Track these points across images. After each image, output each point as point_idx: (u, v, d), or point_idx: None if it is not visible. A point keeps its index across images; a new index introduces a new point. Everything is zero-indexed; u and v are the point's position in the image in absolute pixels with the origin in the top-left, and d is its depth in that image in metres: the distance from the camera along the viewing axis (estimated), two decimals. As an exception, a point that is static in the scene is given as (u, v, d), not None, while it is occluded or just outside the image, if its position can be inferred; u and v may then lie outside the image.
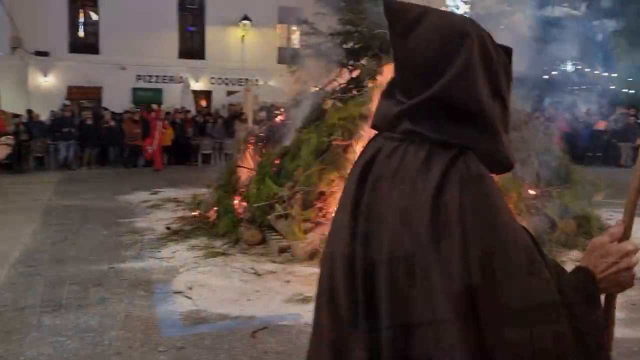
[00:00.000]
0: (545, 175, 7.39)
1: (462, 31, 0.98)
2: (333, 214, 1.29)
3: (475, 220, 0.90)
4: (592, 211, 7.56)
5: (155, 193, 10.77)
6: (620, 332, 4.14)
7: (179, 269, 5.66)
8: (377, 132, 1.08)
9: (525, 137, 7.48)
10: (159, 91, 21.49)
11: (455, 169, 0.93)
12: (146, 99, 21.08)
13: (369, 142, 1.09)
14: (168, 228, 7.49)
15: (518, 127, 7.50)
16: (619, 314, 1.19)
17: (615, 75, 20.46)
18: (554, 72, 17.22)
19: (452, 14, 1.08)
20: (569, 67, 18.49)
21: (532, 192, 7.14)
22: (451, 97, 0.96)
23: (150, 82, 21.52)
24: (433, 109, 0.97)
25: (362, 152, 1.09)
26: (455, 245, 0.90)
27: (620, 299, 1.11)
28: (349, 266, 1.01)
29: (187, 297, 4.81)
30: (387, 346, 0.95)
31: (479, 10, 17.96)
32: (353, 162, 1.13)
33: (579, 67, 18.58)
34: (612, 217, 8.75)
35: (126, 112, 17.26)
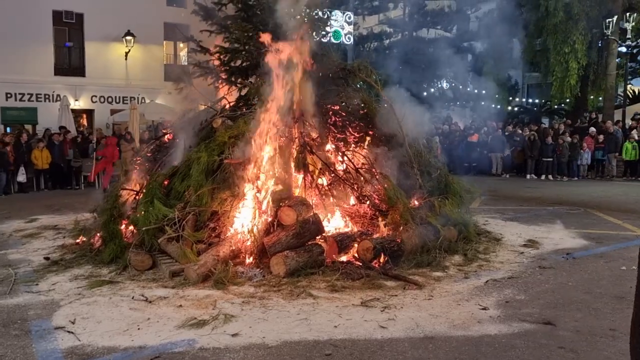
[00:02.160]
0: (428, 186, 7.87)
1: None
2: None
3: None
4: (470, 218, 8.17)
5: (32, 221, 9.96)
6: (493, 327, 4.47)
7: (59, 302, 5.24)
8: None
9: (408, 151, 7.92)
10: (33, 110, 20.01)
11: None
12: (19, 119, 19.54)
13: None
14: (47, 258, 6.94)
15: (402, 141, 7.93)
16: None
17: (484, 92, 22.48)
18: (432, 89, 18.50)
19: None
20: (445, 85, 19.97)
21: (416, 202, 7.56)
22: None
23: (22, 100, 19.96)
24: None
25: None
26: None
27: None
28: None
29: (69, 332, 4.45)
30: None
31: (362, 30, 18.90)
32: None
33: (454, 84, 20.14)
34: (487, 222, 9.53)
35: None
